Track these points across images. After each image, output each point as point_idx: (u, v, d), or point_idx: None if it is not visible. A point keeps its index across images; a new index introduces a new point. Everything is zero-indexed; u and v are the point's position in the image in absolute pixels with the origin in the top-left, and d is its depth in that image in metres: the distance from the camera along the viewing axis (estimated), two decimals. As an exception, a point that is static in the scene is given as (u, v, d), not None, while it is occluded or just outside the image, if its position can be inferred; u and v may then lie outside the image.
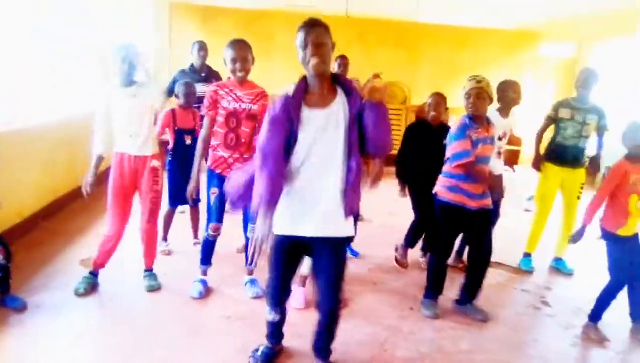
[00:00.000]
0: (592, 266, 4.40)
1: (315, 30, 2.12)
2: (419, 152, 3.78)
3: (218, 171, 3.18)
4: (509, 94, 3.79)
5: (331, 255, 2.30)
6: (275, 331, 2.62)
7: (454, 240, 3.39)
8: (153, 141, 3.31)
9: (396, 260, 4.05)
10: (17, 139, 4.04)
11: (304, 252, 2.42)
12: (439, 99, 3.81)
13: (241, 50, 3.05)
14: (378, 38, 8.84)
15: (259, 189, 2.19)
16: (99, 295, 3.27)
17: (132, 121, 3.17)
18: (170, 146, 3.98)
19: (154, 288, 3.37)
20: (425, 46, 9.18)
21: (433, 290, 3.35)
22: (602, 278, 3.21)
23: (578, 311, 3.54)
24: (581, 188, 4.16)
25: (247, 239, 3.37)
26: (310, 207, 2.22)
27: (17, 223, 4.00)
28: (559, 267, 4.29)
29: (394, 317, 3.25)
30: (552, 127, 4.22)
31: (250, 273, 3.51)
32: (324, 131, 2.18)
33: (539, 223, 4.25)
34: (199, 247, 4.05)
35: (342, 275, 2.35)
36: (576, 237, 3.24)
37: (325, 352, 2.55)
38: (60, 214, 4.71)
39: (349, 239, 2.44)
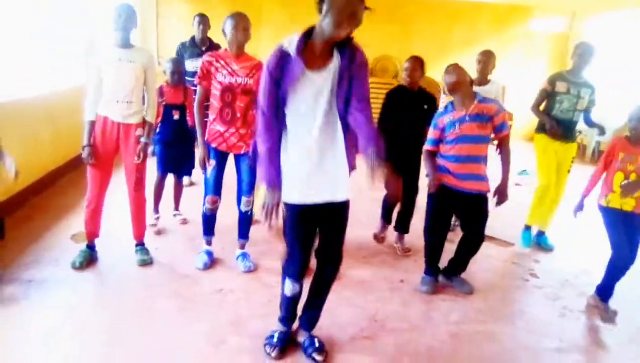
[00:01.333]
0: (581, 239, 4.48)
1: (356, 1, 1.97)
2: (397, 118, 3.67)
3: (214, 145, 3.18)
4: (489, 65, 4.17)
5: (339, 217, 2.35)
6: (292, 308, 2.54)
7: (446, 220, 3.33)
8: (140, 110, 3.23)
9: (374, 235, 4.02)
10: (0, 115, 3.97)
11: (318, 217, 2.34)
12: (415, 64, 3.66)
13: (243, 19, 3.04)
14: (371, 12, 8.73)
15: (262, 162, 2.20)
16: (91, 270, 3.26)
17: (123, 86, 3.09)
18: (157, 121, 3.90)
19: (146, 262, 3.36)
20: (418, 20, 9.10)
21: (429, 266, 3.35)
22: (590, 250, 3.26)
23: (565, 283, 3.60)
24: (572, 161, 4.16)
25: (240, 212, 3.38)
26: (320, 173, 2.22)
27: (6, 200, 3.96)
28: (539, 242, 4.26)
29: (385, 290, 3.28)
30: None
31: (242, 246, 3.51)
32: (321, 94, 2.14)
33: (541, 198, 4.15)
34: (179, 219, 4.18)
35: (345, 231, 2.40)
36: (576, 209, 3.26)
37: (314, 322, 2.58)
38: (49, 190, 4.67)
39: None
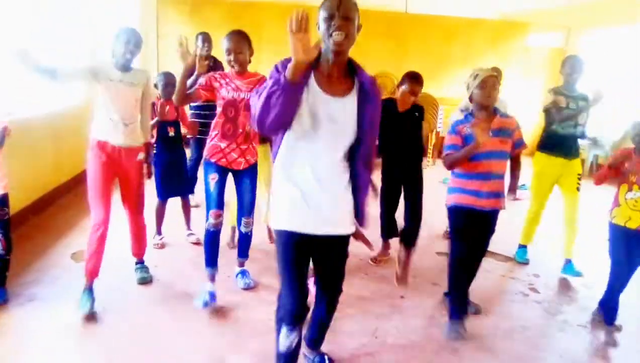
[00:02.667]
0: (581, 253, 4.47)
1: (347, 1, 1.87)
2: (388, 134, 3.53)
3: (214, 160, 3.12)
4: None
5: (339, 252, 2.22)
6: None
7: (470, 247, 3.00)
8: (139, 133, 3.22)
9: (373, 259, 3.94)
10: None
11: (315, 250, 2.14)
12: (415, 86, 3.58)
13: (236, 42, 2.98)
14: (367, 29, 8.77)
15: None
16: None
17: (125, 109, 3.07)
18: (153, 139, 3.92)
19: (146, 281, 3.37)
20: (414, 36, 9.20)
21: (456, 308, 2.99)
22: (590, 264, 3.26)
23: (566, 297, 3.60)
24: (579, 178, 3.97)
25: (241, 234, 3.36)
26: (323, 201, 2.01)
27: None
28: (566, 272, 3.96)
29: (385, 306, 3.28)
30: (541, 116, 4.09)
31: (241, 265, 3.51)
32: (335, 123, 1.95)
33: (534, 220, 4.12)
34: (192, 239, 4.12)
35: (345, 265, 2.30)
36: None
37: (319, 342, 2.55)
38: (50, 210, 4.68)
39: None
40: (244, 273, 3.48)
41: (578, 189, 3.96)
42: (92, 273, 3.06)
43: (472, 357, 2.79)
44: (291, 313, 2.10)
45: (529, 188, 4.22)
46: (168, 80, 3.93)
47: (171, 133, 3.93)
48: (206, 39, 4.85)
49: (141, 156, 3.21)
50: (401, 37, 9.13)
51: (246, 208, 3.26)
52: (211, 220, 3.15)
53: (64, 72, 2.92)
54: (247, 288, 3.36)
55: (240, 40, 3.00)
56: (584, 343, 3.06)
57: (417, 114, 3.71)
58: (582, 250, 4.48)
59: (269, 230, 4.08)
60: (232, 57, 2.98)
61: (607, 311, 3.18)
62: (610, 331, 3.11)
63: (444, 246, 4.32)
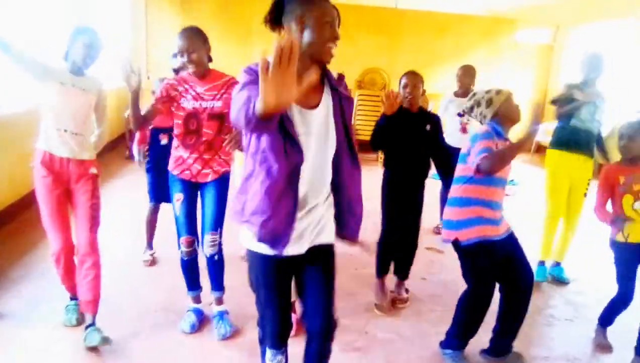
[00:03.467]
0: (569, 249, 4.52)
1: (334, 9, 1.67)
2: (395, 144, 3.16)
3: (176, 172, 2.75)
4: (465, 78, 4.53)
5: (325, 264, 1.90)
6: None
7: (494, 282, 2.64)
8: (91, 145, 2.79)
9: (376, 306, 3.25)
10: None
11: (296, 267, 1.88)
12: (416, 81, 3.18)
13: (187, 40, 2.56)
14: (358, 25, 8.85)
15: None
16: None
17: (73, 115, 2.64)
18: (145, 148, 3.68)
19: (107, 341, 2.57)
20: (405, 32, 9.22)
21: (461, 340, 2.71)
22: (578, 260, 3.29)
23: (553, 292, 3.64)
24: (588, 183, 3.77)
25: (208, 260, 2.81)
26: (304, 218, 1.76)
27: (-6, 213, 3.94)
28: (554, 274, 3.86)
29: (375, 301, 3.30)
30: (552, 111, 3.88)
31: (219, 302, 2.90)
32: (318, 136, 1.73)
33: (551, 227, 3.80)
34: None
35: (334, 286, 1.93)
36: (617, 226, 2.86)
37: None
38: (38, 205, 4.62)
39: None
40: (221, 315, 2.87)
41: (585, 194, 3.78)
42: (71, 289, 2.83)
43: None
44: (273, 334, 1.91)
45: (519, 183, 4.21)
46: None
47: (164, 141, 3.57)
48: None
49: (93, 169, 2.74)
50: (391, 33, 9.14)
51: (209, 223, 2.76)
52: (183, 249, 2.79)
53: (20, 52, 2.53)
54: (224, 339, 2.76)
55: (192, 37, 2.58)
56: (572, 337, 3.11)
57: (428, 127, 3.20)
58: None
59: None
60: (185, 58, 2.57)
61: (607, 318, 3.02)
62: (600, 330, 3.04)
63: (433, 241, 4.35)
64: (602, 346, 3.00)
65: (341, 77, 1.86)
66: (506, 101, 2.62)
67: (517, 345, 2.90)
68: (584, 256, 4.08)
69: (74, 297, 2.84)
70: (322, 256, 1.88)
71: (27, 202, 4.48)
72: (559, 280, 3.83)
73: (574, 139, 3.66)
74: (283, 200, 1.68)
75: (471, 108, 2.71)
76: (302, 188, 1.73)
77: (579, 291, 3.30)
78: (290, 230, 1.71)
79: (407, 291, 3.40)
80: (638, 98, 7.54)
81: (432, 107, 7.86)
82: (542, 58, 9.75)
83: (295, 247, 1.77)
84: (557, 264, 3.91)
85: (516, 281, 2.63)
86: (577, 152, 3.67)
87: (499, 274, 2.62)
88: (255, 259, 1.83)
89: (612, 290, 3.08)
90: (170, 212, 2.93)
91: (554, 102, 3.82)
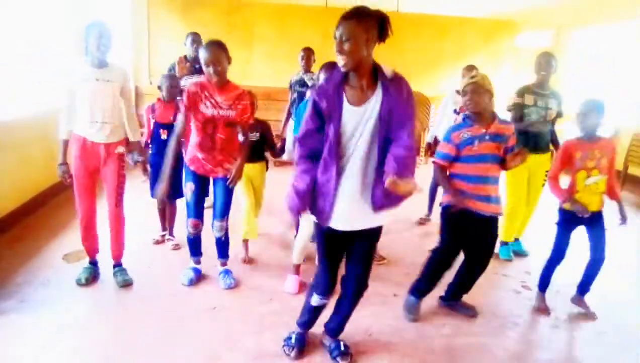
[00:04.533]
0: (572, 251, 4.51)
1: (344, 23, 2.04)
2: None
3: (192, 168, 3.18)
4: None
5: (368, 243, 2.40)
6: (313, 316, 2.64)
7: (460, 244, 3.07)
8: (119, 128, 3.20)
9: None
10: (-5, 134, 3.98)
11: (348, 241, 2.39)
12: None
13: (213, 53, 2.91)
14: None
15: (292, 196, 2.22)
16: (83, 289, 3.25)
17: (102, 107, 3.03)
18: (147, 141, 3.95)
19: (128, 282, 3.31)
20: (406, 35, 9.21)
21: (422, 289, 3.15)
22: (582, 261, 3.28)
23: (557, 294, 3.63)
24: (546, 174, 4.03)
25: (216, 239, 3.38)
26: (354, 203, 2.21)
27: (-2, 219, 3.96)
28: (514, 248, 4.37)
29: (378, 304, 3.29)
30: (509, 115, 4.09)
31: (224, 265, 3.49)
32: (357, 128, 2.13)
33: (513, 215, 4.17)
34: (171, 244, 4.03)
35: (373, 259, 2.53)
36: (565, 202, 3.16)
37: (339, 331, 2.68)
38: (42, 210, 4.65)
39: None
40: (226, 272, 3.45)
41: (543, 185, 4.12)
42: (89, 251, 3.33)
43: (465, 353, 2.81)
44: (322, 288, 2.49)
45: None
46: (171, 82, 3.90)
47: (164, 136, 3.83)
48: (195, 39, 4.85)
49: (120, 149, 3.19)
50: (393, 36, 9.14)
51: (219, 211, 3.27)
52: (190, 229, 3.32)
53: (67, 118, 3.07)
54: (228, 288, 3.35)
55: (218, 51, 2.93)
56: (575, 339, 3.10)
57: None
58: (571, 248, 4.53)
59: (246, 248, 3.88)
60: (211, 70, 2.92)
61: (544, 278, 3.41)
62: (540, 295, 3.38)
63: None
64: (542, 309, 3.35)
65: (396, 75, 2.18)
66: (462, 91, 2.96)
67: (521, 348, 2.91)
68: (586, 259, 4.05)
69: (92, 262, 3.35)
70: (368, 234, 2.33)
71: (30, 208, 4.50)
72: (520, 253, 4.38)
73: (528, 142, 3.92)
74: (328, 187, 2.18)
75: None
76: (349, 173, 2.17)
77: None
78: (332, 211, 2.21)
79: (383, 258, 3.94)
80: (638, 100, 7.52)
81: (432, 109, 7.89)
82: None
83: (345, 225, 2.25)
84: (516, 239, 4.42)
85: (475, 257, 3.09)
86: (532, 152, 3.87)
87: (465, 242, 3.03)
88: (316, 229, 2.39)
89: (616, 296, 3.09)
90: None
91: (509, 110, 4.09)
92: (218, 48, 2.94)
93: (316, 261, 2.60)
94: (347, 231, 2.28)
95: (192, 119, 3.06)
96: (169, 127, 3.73)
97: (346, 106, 2.11)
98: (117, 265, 3.39)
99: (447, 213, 2.99)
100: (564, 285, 3.80)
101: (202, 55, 2.94)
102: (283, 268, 3.65)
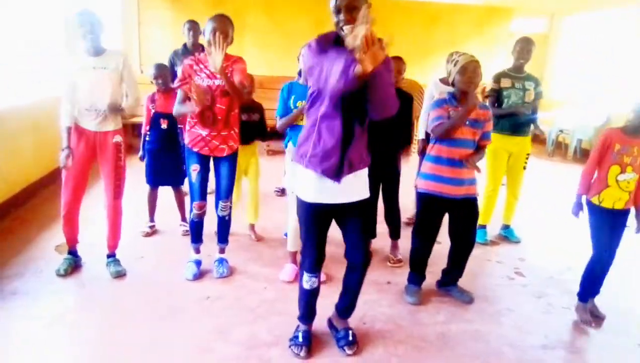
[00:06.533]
0: (565, 236, 4.54)
1: None
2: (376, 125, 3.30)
3: (196, 149, 3.14)
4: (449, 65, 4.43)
5: (358, 215, 2.41)
6: (311, 303, 2.59)
7: (435, 224, 3.15)
8: (116, 116, 3.16)
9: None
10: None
11: (333, 215, 2.43)
12: (399, 66, 3.54)
13: (223, 23, 2.92)
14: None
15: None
16: (75, 280, 3.23)
17: (100, 95, 3.03)
18: (146, 129, 3.96)
19: (121, 274, 3.29)
20: (397, 22, 9.15)
21: (415, 273, 3.26)
22: (574, 248, 3.29)
23: (550, 280, 3.65)
24: (527, 157, 4.20)
25: (218, 217, 3.37)
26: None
27: (-13, 211, 3.92)
28: (507, 235, 4.41)
29: (372, 292, 3.29)
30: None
31: (222, 251, 3.50)
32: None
33: (491, 198, 4.25)
34: (182, 230, 4.11)
35: (369, 230, 2.61)
36: (576, 209, 3.07)
37: (349, 311, 2.68)
38: (32, 202, 4.61)
39: None
40: (221, 261, 3.46)
41: (524, 168, 4.21)
42: (69, 240, 3.32)
43: (459, 340, 2.82)
44: (309, 263, 2.46)
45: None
46: (159, 72, 3.89)
47: (164, 125, 3.88)
48: (192, 27, 4.81)
49: (117, 138, 3.16)
50: (384, 23, 9.05)
51: (223, 192, 3.29)
52: (195, 211, 3.28)
53: (68, 111, 3.03)
54: (221, 277, 3.36)
55: (227, 23, 2.95)
56: (568, 324, 3.11)
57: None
58: (565, 233, 4.55)
59: (252, 227, 4.11)
60: (220, 38, 2.84)
61: (586, 286, 3.12)
62: (581, 306, 3.13)
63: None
64: (586, 322, 3.09)
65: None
66: (458, 72, 2.89)
67: (514, 333, 2.91)
68: (580, 244, 4.05)
69: (71, 252, 3.34)
70: (355, 207, 2.37)
71: (20, 200, 4.46)
72: (512, 240, 4.37)
73: (507, 125, 4.05)
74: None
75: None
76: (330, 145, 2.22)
77: (577, 279, 3.29)
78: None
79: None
80: (634, 87, 7.53)
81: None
82: (538, 47, 9.64)
83: (328, 198, 2.30)
84: (507, 227, 4.45)
85: (458, 239, 3.18)
86: (512, 135, 4.09)
87: (437, 217, 3.12)
88: (300, 204, 2.39)
89: (609, 278, 3.10)
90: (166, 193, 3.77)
91: (486, 96, 4.16)
92: (228, 20, 2.97)
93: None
94: (335, 204, 2.33)
95: (191, 96, 2.98)
96: (169, 116, 3.74)
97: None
98: (111, 255, 3.38)
99: (425, 200, 3.10)
100: (557, 271, 3.82)
101: (209, 25, 2.90)
102: (278, 257, 3.65)
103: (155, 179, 4.01)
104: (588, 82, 8.70)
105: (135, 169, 4.13)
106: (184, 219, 4.19)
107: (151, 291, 3.16)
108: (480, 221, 4.10)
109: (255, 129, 3.88)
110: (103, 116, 3.07)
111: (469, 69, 2.86)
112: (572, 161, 8.13)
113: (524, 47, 4.10)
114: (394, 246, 3.87)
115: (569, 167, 7.60)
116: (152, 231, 4.09)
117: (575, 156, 8.27)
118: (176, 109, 3.11)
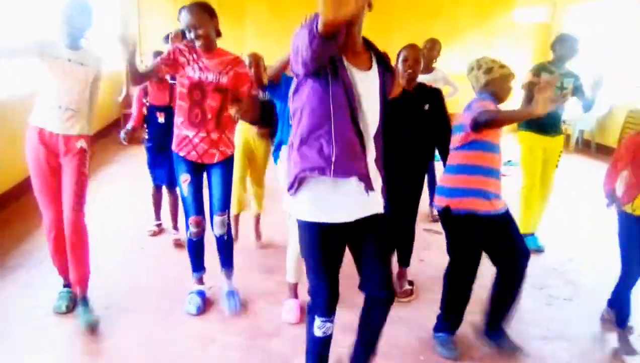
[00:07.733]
0: (566, 227, 4.52)
1: None
2: (392, 129, 2.62)
3: (182, 154, 2.70)
4: (432, 52, 4.73)
5: (375, 233, 1.93)
6: (324, 353, 2.08)
7: (480, 256, 2.57)
8: (85, 120, 2.71)
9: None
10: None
11: (346, 238, 1.95)
12: (417, 54, 2.88)
13: (193, 15, 2.49)
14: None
15: None
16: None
17: (70, 90, 2.61)
18: (137, 123, 3.70)
19: (93, 325, 2.62)
20: (399, 13, 9.09)
21: (450, 321, 2.66)
22: (575, 239, 3.27)
23: (551, 271, 3.64)
24: (559, 156, 4.03)
25: (216, 238, 2.86)
26: (350, 187, 1.82)
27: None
28: (530, 245, 3.80)
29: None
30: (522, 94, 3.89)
31: (228, 277, 2.96)
32: (364, 98, 1.79)
33: (528, 198, 3.95)
34: (174, 238, 3.79)
35: (389, 256, 2.00)
36: (609, 204, 2.71)
37: (372, 359, 2.15)
38: (31, 194, 4.52)
39: None
40: (232, 294, 2.91)
41: (557, 166, 4.05)
42: (61, 270, 2.83)
43: (460, 330, 2.79)
44: (323, 305, 1.94)
45: (517, 164, 4.15)
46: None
47: (161, 119, 3.63)
48: None
49: (81, 143, 2.67)
50: (385, 14, 9.01)
51: (218, 203, 2.78)
52: (192, 229, 2.79)
53: (6, 48, 2.64)
54: (235, 313, 2.83)
55: (199, 12, 2.51)
56: (569, 316, 3.10)
57: (427, 106, 2.93)
58: (566, 224, 4.54)
59: (257, 228, 3.82)
60: (192, 34, 2.52)
61: (619, 310, 2.80)
62: (622, 334, 2.76)
63: (431, 223, 4.34)
64: (629, 352, 2.69)
65: (385, 54, 1.92)
66: (503, 77, 2.54)
67: (516, 325, 2.90)
68: (581, 236, 4.07)
69: (67, 284, 2.85)
70: (371, 223, 1.90)
71: (19, 192, 4.45)
72: (536, 249, 3.91)
73: (541, 123, 3.73)
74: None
75: (470, 69, 2.62)
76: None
77: (578, 270, 3.29)
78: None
79: (411, 283, 3.23)
80: (636, 76, 7.49)
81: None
82: (540, 37, 9.63)
83: (340, 215, 1.83)
84: (532, 234, 4.04)
85: (509, 261, 2.53)
86: (546, 134, 3.89)
87: (488, 251, 2.56)
88: (304, 229, 1.89)
89: (611, 268, 3.08)
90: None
91: (523, 87, 3.88)
92: (199, 9, 2.52)
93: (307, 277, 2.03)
94: (347, 222, 1.86)
95: (179, 89, 2.66)
96: (166, 109, 3.59)
97: (349, 67, 1.79)
98: (82, 297, 2.71)
99: (449, 218, 2.51)
100: (558, 262, 3.81)
101: (182, 18, 2.52)
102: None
103: (156, 178, 3.84)
104: (590, 72, 8.65)
105: (134, 169, 4.07)
106: (175, 227, 3.86)
107: (155, 285, 3.16)
108: (523, 230, 3.69)
109: (267, 110, 3.27)
110: (73, 117, 2.64)
111: (508, 79, 2.56)
112: (574, 151, 8.09)
113: (569, 43, 3.82)
114: (401, 275, 3.22)
115: (571, 158, 7.57)
116: (160, 230, 4.00)
117: (577, 147, 8.24)
118: (131, 71, 2.57)
